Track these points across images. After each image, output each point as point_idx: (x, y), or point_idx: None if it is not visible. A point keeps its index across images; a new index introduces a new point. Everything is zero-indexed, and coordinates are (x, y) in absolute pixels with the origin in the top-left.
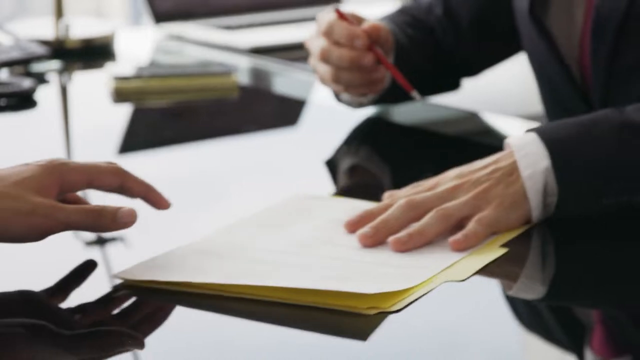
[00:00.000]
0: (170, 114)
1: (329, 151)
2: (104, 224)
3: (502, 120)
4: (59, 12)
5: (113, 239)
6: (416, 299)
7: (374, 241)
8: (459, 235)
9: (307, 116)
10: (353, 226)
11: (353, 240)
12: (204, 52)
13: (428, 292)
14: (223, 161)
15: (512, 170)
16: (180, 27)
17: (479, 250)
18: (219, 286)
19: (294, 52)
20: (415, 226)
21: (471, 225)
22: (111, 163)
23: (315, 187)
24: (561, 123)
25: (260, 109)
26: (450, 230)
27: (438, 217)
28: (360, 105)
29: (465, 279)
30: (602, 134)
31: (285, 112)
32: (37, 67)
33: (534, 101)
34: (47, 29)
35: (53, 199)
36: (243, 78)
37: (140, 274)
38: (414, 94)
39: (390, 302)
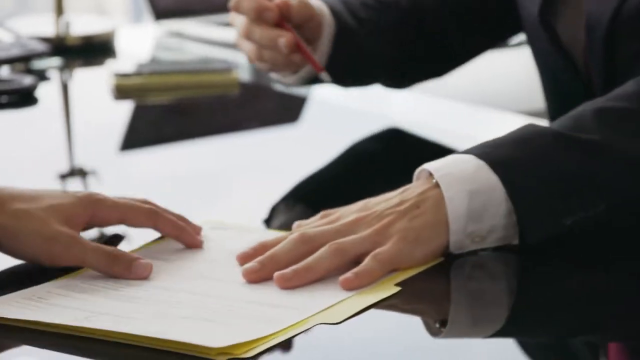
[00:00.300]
0: (171, 111)
1: (330, 148)
2: (118, 271)
3: (503, 116)
4: (60, 10)
5: (115, 236)
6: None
7: (259, 277)
8: (349, 273)
9: (309, 112)
10: (244, 259)
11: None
12: (205, 48)
13: (296, 335)
14: (224, 158)
15: (420, 202)
16: (181, 24)
17: (370, 288)
18: (70, 328)
19: None
20: (305, 262)
21: (366, 262)
22: (146, 202)
23: (315, 186)
24: (490, 143)
25: (261, 105)
26: (347, 268)
27: (331, 252)
28: (290, 84)
29: (341, 322)
30: (543, 150)
31: (287, 108)
32: (37, 64)
33: (535, 97)
34: (47, 26)
35: (78, 231)
36: (244, 75)
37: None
38: (324, 75)
39: (244, 349)
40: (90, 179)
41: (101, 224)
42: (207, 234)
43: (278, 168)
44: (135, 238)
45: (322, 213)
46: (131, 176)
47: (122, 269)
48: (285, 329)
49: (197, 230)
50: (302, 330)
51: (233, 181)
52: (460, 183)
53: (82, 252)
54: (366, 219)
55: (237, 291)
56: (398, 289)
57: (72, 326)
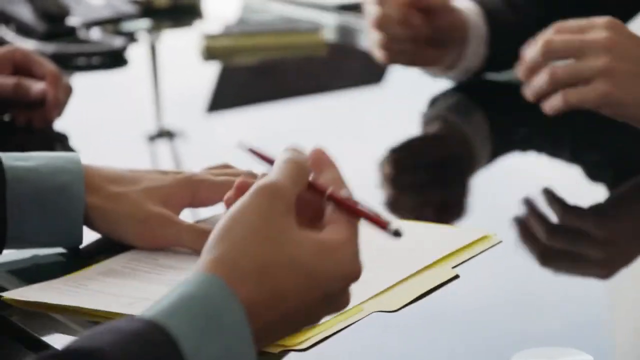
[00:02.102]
0: (258, 72)
1: (414, 109)
2: None
3: None
4: None
5: None
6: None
7: None
8: None
9: (393, 73)
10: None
11: None
12: (291, 9)
13: (353, 323)
14: (310, 120)
15: None
16: None
17: (426, 272)
18: (114, 314)
19: None
20: None
21: None
22: (251, 174)
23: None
24: None
25: (347, 65)
26: None
27: None
28: (440, 76)
29: (399, 309)
30: None
31: (372, 68)
32: (127, 26)
33: None
34: None
35: (177, 212)
36: (330, 35)
37: (32, 295)
38: None
39: (299, 339)
40: (177, 141)
41: (202, 205)
42: None
43: (363, 130)
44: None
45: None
46: (218, 138)
47: None
48: (340, 315)
49: None
50: (358, 319)
51: (320, 143)
52: None
53: (177, 232)
54: None
55: None
56: (456, 272)
57: (115, 312)
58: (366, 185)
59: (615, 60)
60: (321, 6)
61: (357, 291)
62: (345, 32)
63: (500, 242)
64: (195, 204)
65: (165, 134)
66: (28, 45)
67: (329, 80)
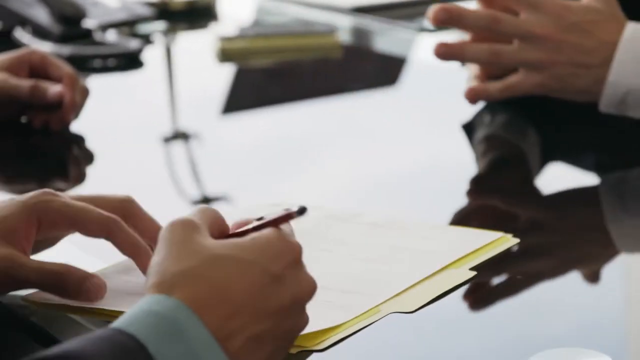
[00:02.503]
0: (274, 74)
1: (430, 110)
2: (66, 292)
3: None
4: None
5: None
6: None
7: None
8: None
9: (409, 74)
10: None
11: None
12: (306, 12)
13: (370, 324)
14: (325, 122)
15: None
16: None
17: (443, 273)
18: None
19: (396, 11)
20: None
21: None
22: (126, 201)
23: (413, 148)
24: None
25: (362, 67)
26: None
27: None
28: None
29: (415, 310)
30: None
31: (387, 70)
32: (142, 28)
33: None
34: None
35: (26, 244)
36: (345, 37)
37: (52, 297)
38: None
39: (316, 340)
40: (192, 142)
41: (54, 231)
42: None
43: (378, 132)
44: None
45: None
46: (233, 139)
47: (71, 290)
48: (357, 317)
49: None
50: (375, 319)
51: (332, 145)
52: None
53: (24, 274)
54: None
55: None
56: (473, 273)
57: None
58: (375, 187)
59: (553, 54)
60: (336, 8)
61: (375, 292)
62: (361, 34)
63: (518, 243)
64: (46, 229)
65: (181, 136)
66: (44, 47)
67: (344, 82)
